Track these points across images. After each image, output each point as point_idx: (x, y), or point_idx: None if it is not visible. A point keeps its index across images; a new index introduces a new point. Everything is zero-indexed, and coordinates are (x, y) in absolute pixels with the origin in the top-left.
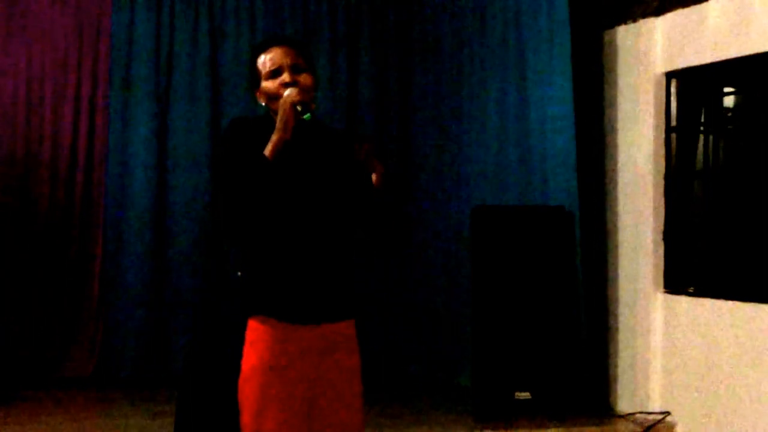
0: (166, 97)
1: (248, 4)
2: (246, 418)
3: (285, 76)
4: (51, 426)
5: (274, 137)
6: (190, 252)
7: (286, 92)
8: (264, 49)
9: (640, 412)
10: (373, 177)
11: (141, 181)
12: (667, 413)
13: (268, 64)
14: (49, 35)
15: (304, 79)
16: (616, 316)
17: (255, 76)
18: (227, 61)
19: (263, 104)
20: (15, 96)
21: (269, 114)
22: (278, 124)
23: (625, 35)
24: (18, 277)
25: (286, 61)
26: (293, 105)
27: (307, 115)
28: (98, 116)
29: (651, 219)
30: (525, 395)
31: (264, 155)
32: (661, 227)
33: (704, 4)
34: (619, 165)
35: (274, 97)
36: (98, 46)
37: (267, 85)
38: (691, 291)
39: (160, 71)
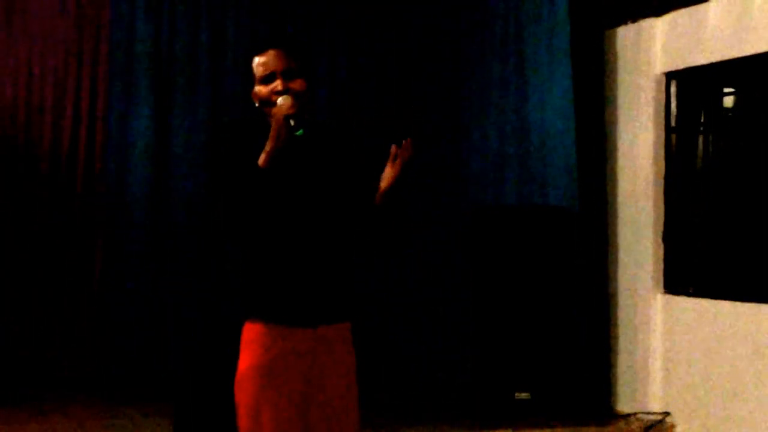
0: (166, 97)
1: (248, 4)
2: (242, 419)
3: (277, 84)
4: (51, 426)
5: (268, 147)
6: (190, 252)
7: (280, 101)
8: (259, 51)
9: (640, 412)
10: (388, 176)
11: (141, 180)
12: (667, 413)
13: (261, 69)
14: (50, 36)
15: (298, 85)
16: (616, 316)
17: (250, 77)
18: (227, 60)
19: (256, 105)
20: (15, 96)
21: (262, 115)
22: (272, 133)
23: (625, 35)
24: (18, 277)
25: (279, 66)
26: (286, 117)
27: (299, 131)
28: (98, 116)
29: (651, 219)
30: (525, 395)
31: (257, 164)
32: (661, 227)
33: (704, 4)
34: (619, 165)
35: (265, 102)
36: (98, 47)
37: (260, 89)
38: (691, 291)
39: (160, 71)
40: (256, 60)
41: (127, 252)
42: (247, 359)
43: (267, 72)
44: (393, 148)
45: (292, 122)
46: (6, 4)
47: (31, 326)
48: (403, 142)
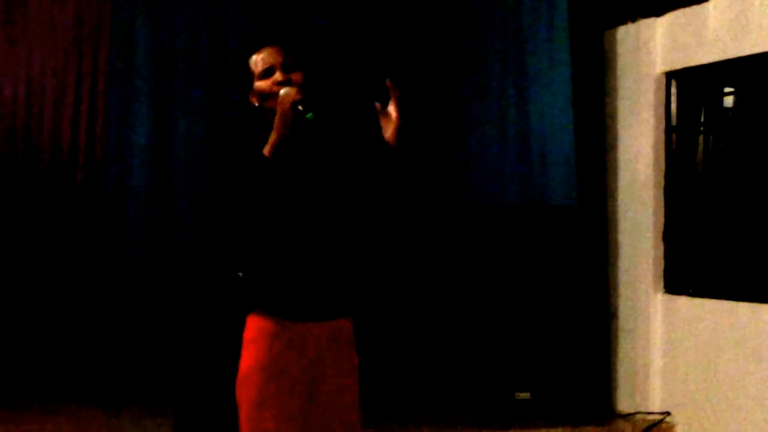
0: (167, 97)
1: (248, 4)
2: (244, 416)
3: (278, 75)
4: (51, 426)
5: (273, 136)
6: (191, 251)
7: (283, 91)
8: (255, 50)
9: (640, 412)
10: (389, 132)
11: (141, 181)
12: (667, 413)
13: (260, 64)
14: (49, 36)
15: (297, 77)
16: (616, 316)
17: (247, 77)
18: (228, 60)
19: (255, 105)
20: (15, 96)
21: (260, 113)
22: (277, 122)
23: (625, 35)
24: (18, 277)
25: (278, 59)
26: (294, 104)
27: (309, 114)
28: (98, 116)
29: (651, 219)
30: (525, 395)
31: (263, 154)
32: (661, 227)
33: (704, 4)
34: (619, 165)
35: (267, 96)
36: (98, 47)
37: (260, 84)
38: (691, 291)
39: (161, 72)
40: (254, 58)
41: (127, 251)
42: (250, 356)
43: (266, 66)
44: (377, 105)
45: (300, 107)
46: (6, 5)
47: (31, 326)
48: (387, 85)
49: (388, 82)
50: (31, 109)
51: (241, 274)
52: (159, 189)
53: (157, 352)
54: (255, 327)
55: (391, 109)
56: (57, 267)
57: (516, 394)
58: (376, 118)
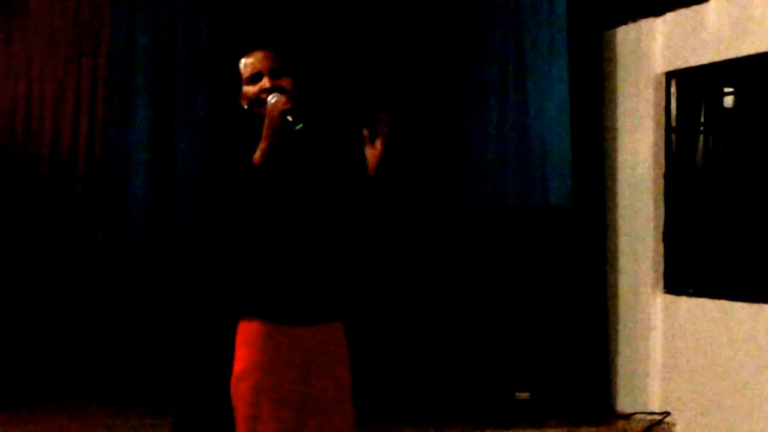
0: (166, 98)
1: (248, 6)
2: (240, 418)
3: (265, 82)
4: (51, 426)
5: (263, 144)
6: (190, 252)
7: (272, 99)
8: (245, 54)
9: (640, 412)
10: (370, 162)
11: (141, 181)
12: (667, 413)
13: (248, 69)
14: (49, 36)
15: (285, 83)
16: (616, 316)
17: (238, 80)
18: (227, 60)
19: (245, 107)
20: (15, 96)
21: (249, 116)
22: (265, 131)
23: (625, 35)
24: (19, 278)
25: (266, 65)
26: (282, 113)
27: (299, 126)
28: (98, 116)
29: (651, 219)
30: (525, 395)
31: (253, 162)
32: (661, 227)
33: (704, 4)
34: (619, 165)
35: (254, 101)
36: (98, 47)
37: (247, 89)
38: (691, 291)
39: (160, 72)
40: (243, 61)
41: (127, 252)
42: (243, 359)
43: (254, 71)
44: (365, 132)
45: (290, 118)
46: (5, 6)
47: (31, 326)
48: (380, 117)
49: (382, 116)
50: (31, 109)
51: (234, 275)
52: (159, 189)
53: (157, 352)
54: (247, 330)
55: (377, 141)
56: (57, 267)
57: (516, 394)
58: (362, 140)
